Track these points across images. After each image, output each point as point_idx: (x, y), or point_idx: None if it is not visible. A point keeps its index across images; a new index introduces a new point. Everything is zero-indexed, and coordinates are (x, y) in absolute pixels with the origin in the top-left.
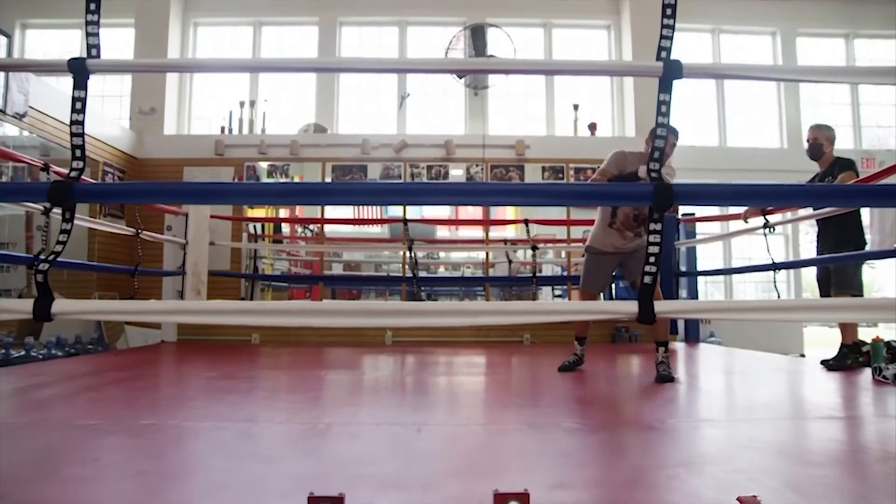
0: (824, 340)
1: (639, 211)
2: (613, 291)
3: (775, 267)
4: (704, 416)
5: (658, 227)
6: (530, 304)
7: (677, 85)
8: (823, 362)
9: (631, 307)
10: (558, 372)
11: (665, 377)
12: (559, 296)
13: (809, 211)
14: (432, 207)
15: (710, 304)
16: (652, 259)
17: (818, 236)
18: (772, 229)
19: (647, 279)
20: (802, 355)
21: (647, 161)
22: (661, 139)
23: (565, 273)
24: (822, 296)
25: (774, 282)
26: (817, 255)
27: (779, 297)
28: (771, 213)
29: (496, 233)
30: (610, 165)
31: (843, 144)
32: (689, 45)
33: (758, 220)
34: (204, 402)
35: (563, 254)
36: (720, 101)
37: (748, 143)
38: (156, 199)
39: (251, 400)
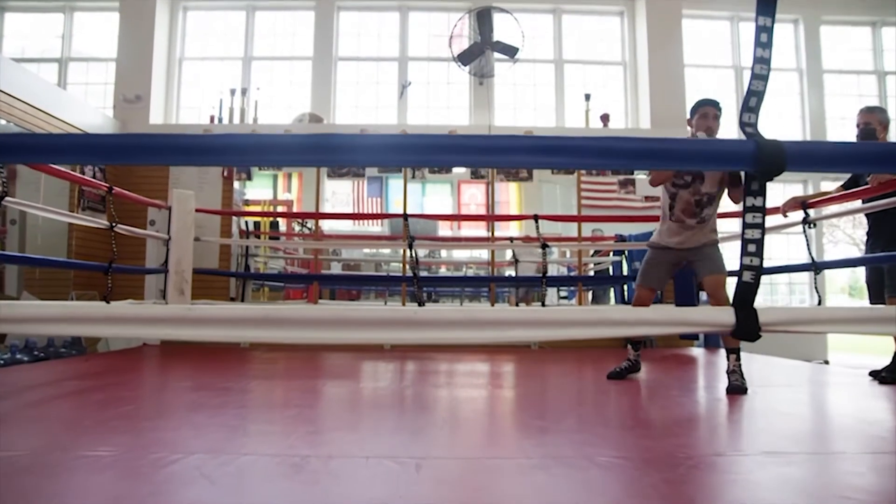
0: (849, 346)
1: (700, 196)
2: (626, 294)
3: (816, 267)
4: (768, 447)
5: (758, 201)
6: (586, 311)
7: (693, 72)
8: (873, 374)
9: (725, 317)
10: (607, 379)
11: (737, 388)
12: (565, 297)
13: (857, 204)
14: (434, 203)
15: (828, 313)
16: (752, 248)
17: (869, 233)
18: (811, 225)
19: (748, 276)
20: (826, 362)
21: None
22: (762, 80)
23: (573, 273)
24: (871, 301)
25: (815, 283)
26: (866, 253)
27: (820, 301)
28: (812, 206)
29: (500, 231)
30: None
31: None
32: (705, 33)
33: (789, 217)
34: (163, 422)
35: (569, 254)
36: (739, 92)
37: (769, 136)
38: (38, 157)
39: (219, 421)
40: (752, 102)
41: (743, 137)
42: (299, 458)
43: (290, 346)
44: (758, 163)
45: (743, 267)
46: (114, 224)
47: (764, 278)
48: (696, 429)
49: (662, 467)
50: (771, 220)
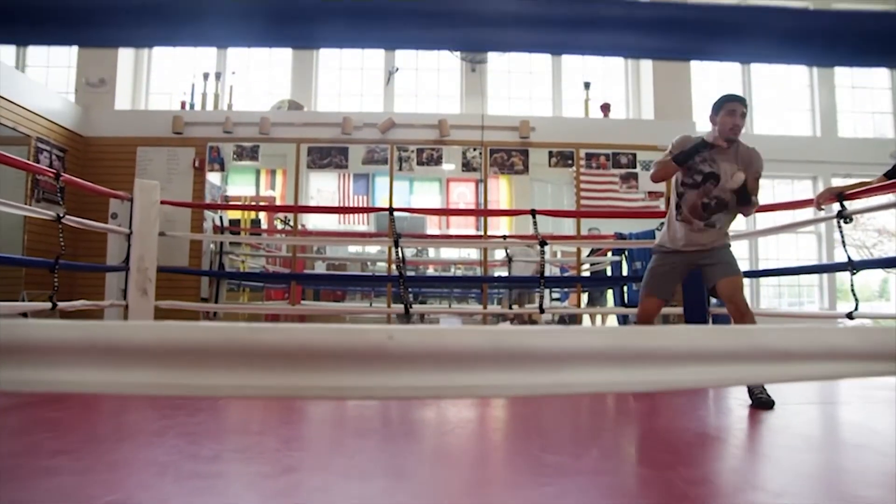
0: None
1: (710, 199)
2: (619, 298)
3: (853, 266)
4: (857, 498)
5: None
6: (721, 334)
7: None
8: None
9: None
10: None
11: (762, 402)
12: (557, 299)
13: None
14: (422, 201)
15: None
16: None
17: None
18: (848, 220)
19: None
20: None
21: None
22: None
23: (567, 273)
24: None
25: (852, 286)
26: None
27: (857, 306)
28: (850, 198)
29: (490, 230)
30: (672, 147)
31: (885, 132)
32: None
33: (811, 211)
34: (74, 460)
35: (559, 254)
36: (746, 85)
37: (777, 130)
38: None
39: (147, 457)
40: None
41: None
42: None
43: None
44: None
45: None
46: (61, 215)
47: (771, 280)
48: (749, 466)
49: None
50: (781, 218)
